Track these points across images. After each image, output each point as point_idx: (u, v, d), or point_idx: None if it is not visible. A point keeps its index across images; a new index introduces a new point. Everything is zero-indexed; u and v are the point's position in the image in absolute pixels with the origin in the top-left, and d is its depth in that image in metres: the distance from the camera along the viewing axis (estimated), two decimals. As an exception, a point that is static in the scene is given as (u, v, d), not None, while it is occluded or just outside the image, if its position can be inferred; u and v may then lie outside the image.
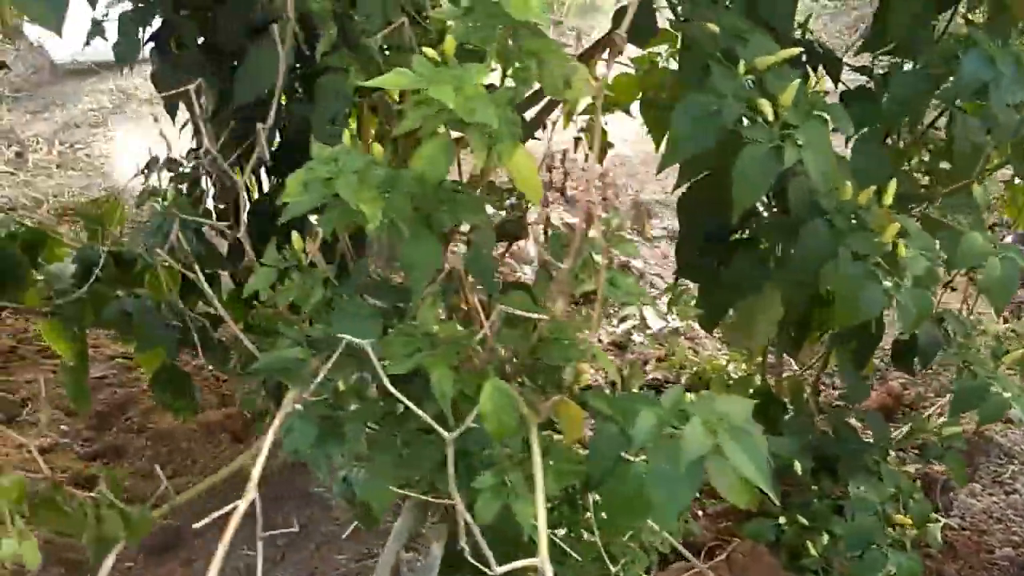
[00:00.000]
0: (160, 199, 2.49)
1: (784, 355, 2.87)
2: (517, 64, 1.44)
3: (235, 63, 2.37)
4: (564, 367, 1.52)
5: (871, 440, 2.54)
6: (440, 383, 1.52)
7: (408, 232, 1.45)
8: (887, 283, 1.76)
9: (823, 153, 1.73)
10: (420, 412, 1.36)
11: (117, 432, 3.16)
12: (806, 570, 2.51)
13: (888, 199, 1.82)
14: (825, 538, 2.48)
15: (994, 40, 1.92)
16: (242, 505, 1.38)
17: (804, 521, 2.50)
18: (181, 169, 2.46)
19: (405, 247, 1.51)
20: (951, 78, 1.97)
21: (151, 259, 2.19)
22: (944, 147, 2.25)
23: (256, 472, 1.45)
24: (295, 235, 1.55)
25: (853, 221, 1.82)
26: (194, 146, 2.68)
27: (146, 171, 2.37)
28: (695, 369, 3.26)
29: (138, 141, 5.61)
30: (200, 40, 2.40)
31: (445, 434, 1.35)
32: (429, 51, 1.36)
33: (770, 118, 1.73)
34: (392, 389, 1.37)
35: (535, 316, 1.57)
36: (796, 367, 3.12)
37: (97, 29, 2.35)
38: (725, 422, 1.40)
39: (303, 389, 1.50)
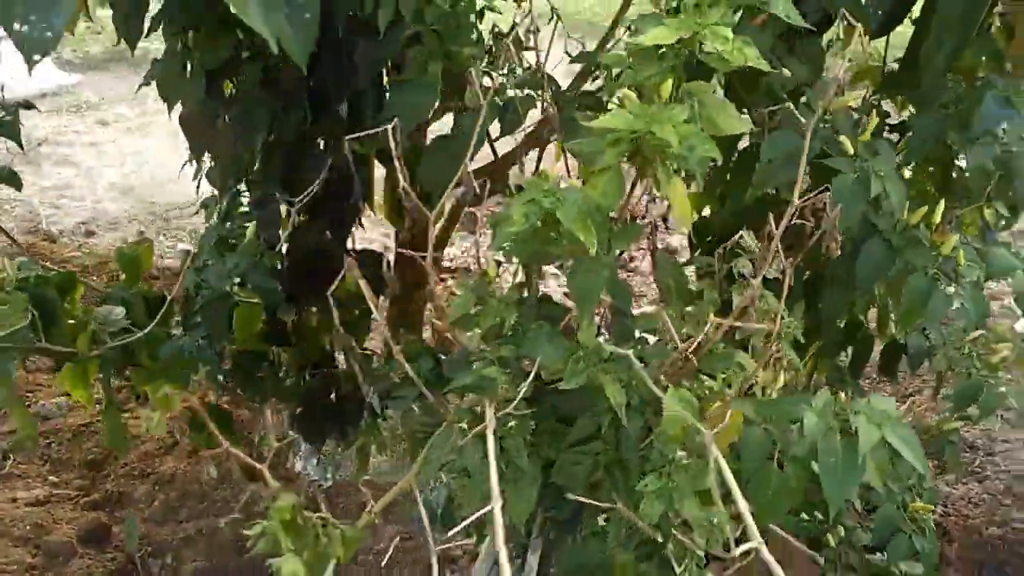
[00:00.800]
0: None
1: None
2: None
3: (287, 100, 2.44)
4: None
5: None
6: (615, 395, 1.66)
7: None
8: (950, 289, 2.02)
9: (898, 182, 1.97)
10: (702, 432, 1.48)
11: (116, 479, 3.08)
12: (826, 560, 2.75)
13: (937, 218, 2.09)
14: (841, 531, 2.73)
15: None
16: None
17: (820, 516, 2.73)
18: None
19: (577, 273, 1.64)
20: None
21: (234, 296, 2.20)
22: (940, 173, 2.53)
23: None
24: (492, 263, 1.64)
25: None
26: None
27: (206, 208, 2.38)
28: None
29: (74, 179, 5.43)
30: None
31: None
32: (629, 93, 1.50)
33: (850, 152, 1.96)
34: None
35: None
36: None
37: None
38: (885, 417, 1.60)
39: (500, 406, 1.59)
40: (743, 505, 1.52)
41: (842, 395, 1.68)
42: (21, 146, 2.54)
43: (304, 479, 3.07)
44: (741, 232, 1.92)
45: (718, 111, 1.61)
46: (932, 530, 2.70)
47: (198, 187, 3.01)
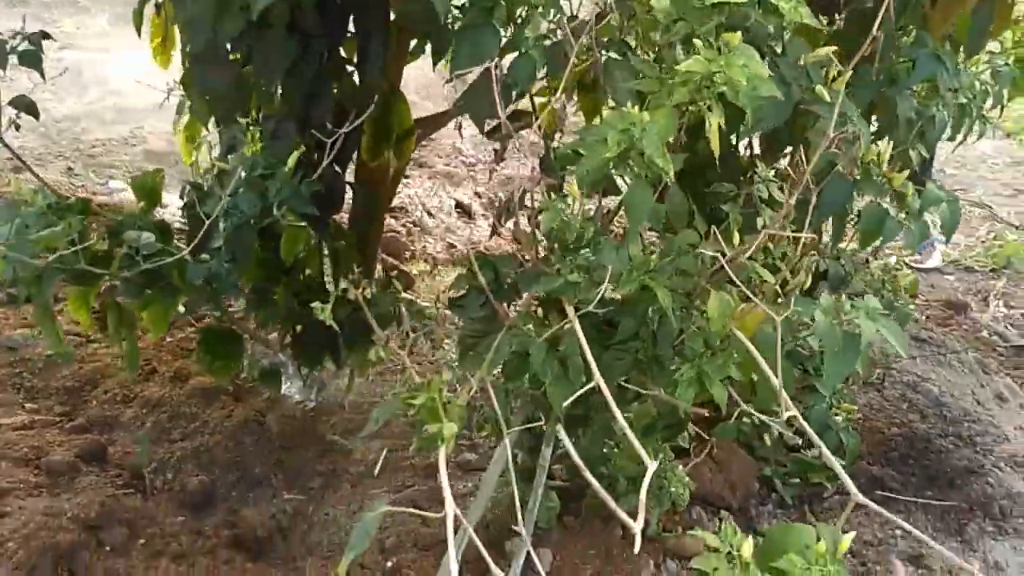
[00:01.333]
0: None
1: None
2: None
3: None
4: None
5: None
6: (663, 299, 1.97)
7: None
8: (901, 215, 2.43)
9: (865, 124, 2.35)
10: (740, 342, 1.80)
11: (100, 404, 3.17)
12: (760, 458, 3.19)
13: (886, 157, 2.49)
14: (774, 433, 3.17)
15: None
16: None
17: (756, 421, 3.16)
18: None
19: (630, 194, 1.94)
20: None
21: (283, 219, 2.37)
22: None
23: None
24: (573, 185, 1.91)
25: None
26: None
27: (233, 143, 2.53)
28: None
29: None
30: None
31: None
32: (699, 42, 1.80)
33: (826, 99, 2.32)
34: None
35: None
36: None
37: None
38: (877, 313, 1.98)
39: (584, 303, 1.87)
40: (775, 380, 1.88)
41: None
42: (43, 75, 2.60)
43: (289, 400, 3.25)
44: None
45: (749, 59, 1.94)
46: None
47: (179, 122, 3.12)
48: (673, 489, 2.71)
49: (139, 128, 5.37)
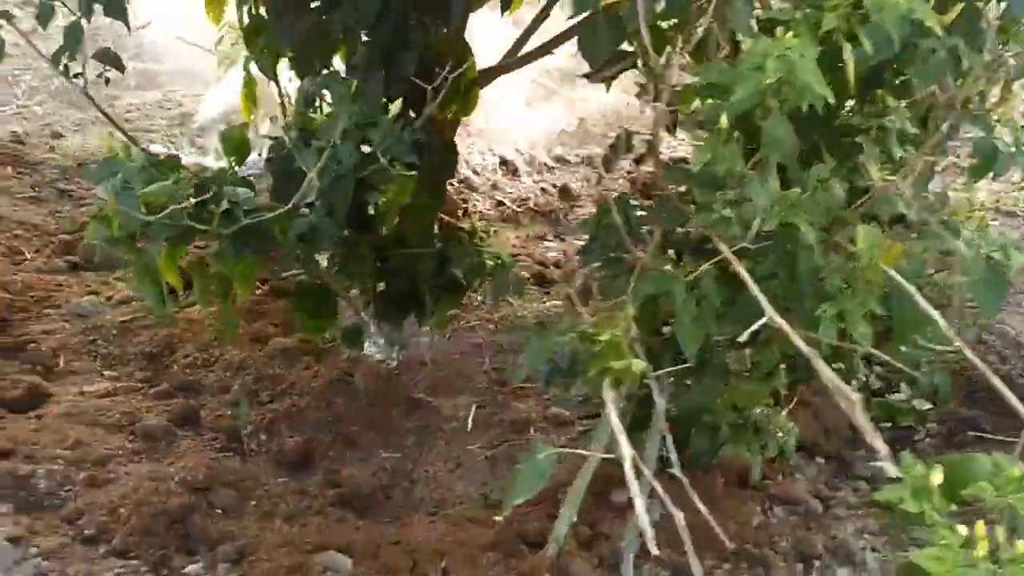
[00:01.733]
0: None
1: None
2: None
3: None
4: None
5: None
6: (807, 234, 1.95)
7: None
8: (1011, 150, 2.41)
9: (980, 58, 2.32)
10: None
11: (181, 369, 3.13)
12: (848, 403, 3.18)
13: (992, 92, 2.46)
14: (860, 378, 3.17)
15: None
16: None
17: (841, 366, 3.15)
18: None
19: (772, 127, 1.91)
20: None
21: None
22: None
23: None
24: (722, 117, 1.87)
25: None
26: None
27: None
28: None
29: None
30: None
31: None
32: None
33: (938, 33, 2.29)
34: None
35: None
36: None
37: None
38: (1017, 244, 1.97)
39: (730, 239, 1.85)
40: (935, 314, 1.86)
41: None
42: (128, 26, 2.54)
43: (370, 358, 3.21)
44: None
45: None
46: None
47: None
48: (780, 435, 2.71)
49: (171, 92, 5.28)
